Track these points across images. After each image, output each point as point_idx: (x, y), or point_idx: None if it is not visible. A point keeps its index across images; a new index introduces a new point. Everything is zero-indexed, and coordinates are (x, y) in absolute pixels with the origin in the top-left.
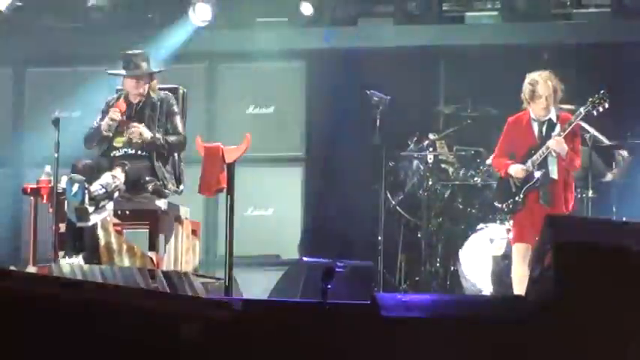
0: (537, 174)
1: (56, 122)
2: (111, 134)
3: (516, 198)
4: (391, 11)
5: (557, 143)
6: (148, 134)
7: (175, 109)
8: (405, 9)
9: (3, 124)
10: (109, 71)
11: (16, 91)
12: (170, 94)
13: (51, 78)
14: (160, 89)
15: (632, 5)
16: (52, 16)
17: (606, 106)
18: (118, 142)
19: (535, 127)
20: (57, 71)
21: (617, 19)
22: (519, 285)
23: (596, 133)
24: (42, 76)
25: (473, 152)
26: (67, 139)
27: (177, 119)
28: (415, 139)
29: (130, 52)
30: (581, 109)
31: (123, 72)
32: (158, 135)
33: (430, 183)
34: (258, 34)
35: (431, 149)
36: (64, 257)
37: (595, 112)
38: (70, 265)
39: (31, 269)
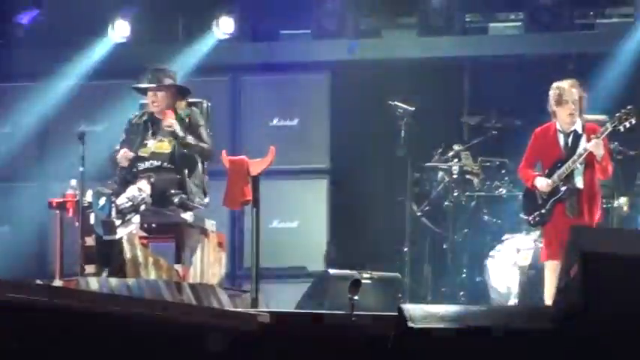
0: (563, 187)
1: (81, 136)
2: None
3: (542, 210)
4: (415, 23)
5: (595, 145)
6: (179, 130)
7: (200, 121)
8: (428, 20)
9: (28, 139)
10: (133, 85)
11: (41, 106)
12: (195, 108)
13: (76, 91)
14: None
15: None
16: (74, 31)
17: (633, 122)
18: (144, 152)
19: (561, 138)
20: (82, 84)
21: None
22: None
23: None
24: (67, 89)
25: (498, 163)
26: (92, 153)
27: (203, 130)
28: (440, 150)
29: (154, 67)
30: (608, 125)
31: (144, 85)
32: (190, 136)
33: (455, 194)
34: (281, 46)
35: (456, 160)
36: (94, 272)
37: (622, 128)
38: (97, 278)
39: (58, 283)
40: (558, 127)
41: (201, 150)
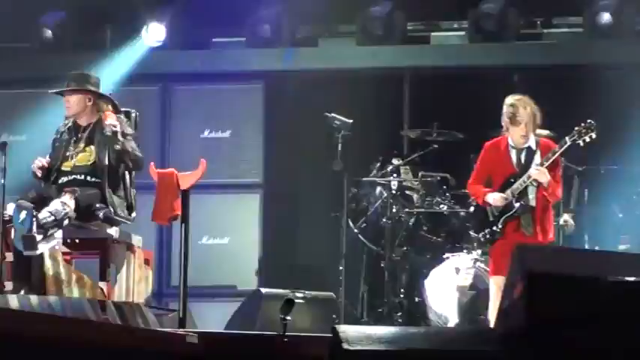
0: (517, 204)
1: (3, 146)
2: (43, 174)
3: (494, 227)
4: (353, 31)
5: (539, 174)
6: (120, 132)
7: (128, 130)
8: (368, 29)
9: None
10: (50, 90)
11: None
12: (122, 116)
13: None
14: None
15: (604, 25)
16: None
17: (593, 136)
18: (66, 166)
19: (513, 154)
20: (3, 92)
21: (590, 39)
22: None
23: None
24: None
25: (439, 178)
26: (14, 164)
27: (131, 140)
28: (378, 164)
29: (75, 72)
30: (567, 139)
31: (62, 89)
32: (129, 143)
33: (394, 210)
34: (214, 54)
35: (395, 175)
36: (11, 288)
37: (581, 143)
38: (17, 296)
39: None
40: (510, 142)
41: (135, 158)
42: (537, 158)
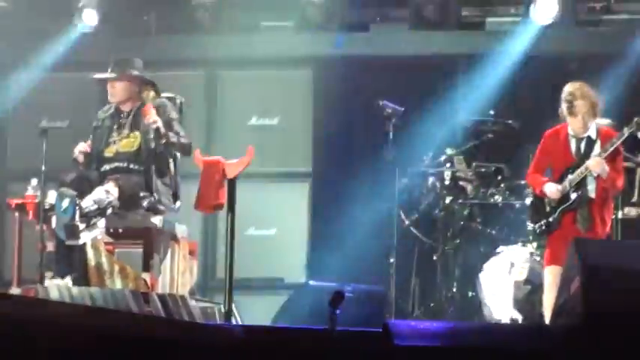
0: (574, 195)
1: (43, 133)
2: (85, 161)
3: (550, 219)
4: (406, 16)
5: (597, 164)
6: (162, 127)
7: (173, 114)
8: (421, 14)
9: None
10: (96, 75)
11: (2, 99)
12: (166, 100)
13: (38, 84)
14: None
15: None
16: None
17: None
18: (109, 152)
19: (573, 143)
20: (44, 77)
21: None
22: (550, 312)
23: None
24: (30, 82)
25: (494, 169)
26: (55, 151)
27: (176, 124)
28: (431, 154)
29: (119, 56)
30: (625, 130)
31: (102, 75)
32: (170, 133)
33: (447, 202)
34: (262, 39)
35: (448, 165)
36: (51, 278)
37: None
38: (58, 286)
39: (15, 291)
40: (570, 131)
41: (182, 146)
42: (597, 148)
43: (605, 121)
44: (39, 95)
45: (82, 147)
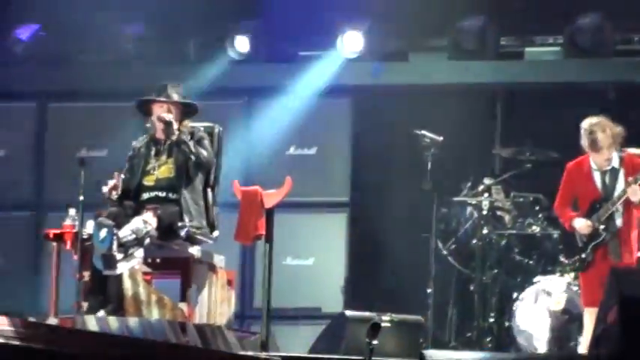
0: (603, 230)
1: (82, 162)
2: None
3: (583, 255)
4: (445, 45)
5: (633, 191)
6: (175, 125)
7: (205, 141)
8: (459, 43)
9: (23, 163)
10: (138, 99)
11: (39, 128)
12: (200, 127)
13: (76, 114)
14: (193, 127)
15: None
16: (77, 48)
17: None
18: (149, 180)
19: (597, 177)
20: (82, 106)
21: None
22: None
23: None
24: (66, 111)
25: (531, 199)
26: (93, 180)
27: (207, 143)
28: (469, 183)
29: (162, 83)
30: None
31: (151, 98)
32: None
33: (485, 231)
34: (300, 68)
35: (486, 195)
36: (88, 308)
37: None
38: (95, 317)
39: (53, 321)
40: (593, 165)
41: (197, 155)
42: (621, 176)
43: (636, 151)
44: (76, 124)
45: (112, 183)
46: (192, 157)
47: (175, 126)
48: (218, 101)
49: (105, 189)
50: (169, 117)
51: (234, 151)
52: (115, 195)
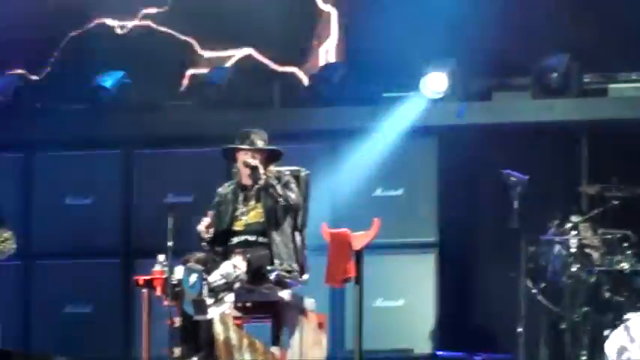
0: None
1: (171, 208)
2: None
3: None
4: (528, 84)
5: None
6: (261, 170)
7: (292, 184)
8: (543, 82)
9: (110, 210)
10: (224, 147)
11: (124, 175)
12: (285, 171)
13: (161, 160)
14: (279, 172)
15: None
16: (161, 94)
17: None
18: (238, 226)
19: None
20: (168, 152)
21: None
22: None
23: None
24: (152, 157)
25: (619, 235)
26: (180, 226)
27: (294, 186)
28: (556, 222)
29: (245, 129)
30: None
31: (235, 146)
32: (273, 182)
33: (573, 269)
34: (384, 110)
35: (574, 233)
36: (180, 355)
37: None
38: None
39: None
40: None
41: (286, 198)
42: None
43: None
44: (161, 170)
45: (207, 222)
46: (281, 201)
47: (261, 171)
48: (303, 145)
49: (200, 227)
50: (255, 162)
51: (320, 195)
52: (209, 235)
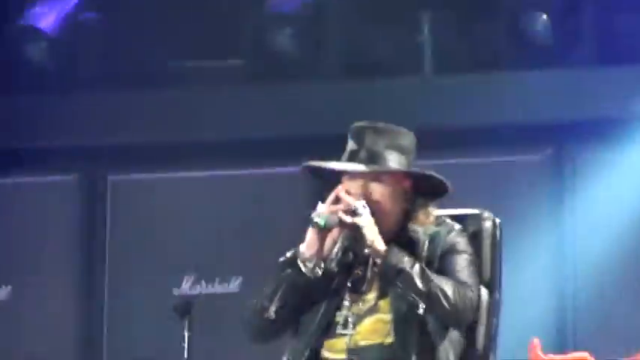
0: None
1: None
2: None
3: None
4: None
5: None
6: (375, 236)
7: (460, 246)
8: None
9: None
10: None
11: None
12: (452, 226)
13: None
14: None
15: None
16: None
17: None
18: (339, 317)
19: None
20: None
21: None
22: None
23: None
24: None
25: None
26: None
27: (462, 260)
28: None
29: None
30: None
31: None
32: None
33: None
34: None
35: None
36: None
37: None
38: None
39: None
40: None
41: (445, 296)
42: None
43: None
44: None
45: None
46: (421, 306)
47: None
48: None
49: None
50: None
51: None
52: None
